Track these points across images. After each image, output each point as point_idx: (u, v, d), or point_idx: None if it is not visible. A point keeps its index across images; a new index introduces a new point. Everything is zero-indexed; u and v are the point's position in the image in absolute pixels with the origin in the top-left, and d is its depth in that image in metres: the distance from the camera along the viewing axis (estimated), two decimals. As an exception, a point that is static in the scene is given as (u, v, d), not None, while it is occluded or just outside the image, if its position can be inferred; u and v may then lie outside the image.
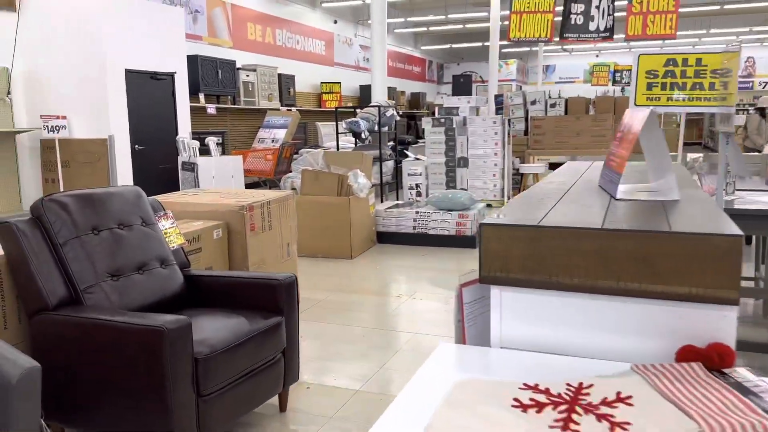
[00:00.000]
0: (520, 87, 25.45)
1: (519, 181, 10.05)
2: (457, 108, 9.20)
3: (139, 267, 2.46)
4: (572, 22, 6.58)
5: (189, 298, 2.65)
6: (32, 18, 6.86)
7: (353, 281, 4.85)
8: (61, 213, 2.29)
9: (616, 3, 6.32)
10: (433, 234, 6.08)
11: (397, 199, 7.71)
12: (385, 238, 6.23)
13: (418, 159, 7.22)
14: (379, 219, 6.24)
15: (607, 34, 6.45)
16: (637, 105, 3.48)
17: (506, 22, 19.24)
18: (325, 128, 13.74)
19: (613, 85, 20.33)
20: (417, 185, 7.14)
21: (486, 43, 23.77)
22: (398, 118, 7.50)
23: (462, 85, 23.86)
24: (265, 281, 2.54)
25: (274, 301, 2.53)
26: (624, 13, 6.28)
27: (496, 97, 10.95)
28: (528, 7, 6.62)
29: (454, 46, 24.09)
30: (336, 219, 5.59)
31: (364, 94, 16.28)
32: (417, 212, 6.13)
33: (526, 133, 11.02)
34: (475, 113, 9.12)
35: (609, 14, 6.40)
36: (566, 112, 11.38)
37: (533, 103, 11.26)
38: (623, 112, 11.09)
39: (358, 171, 5.72)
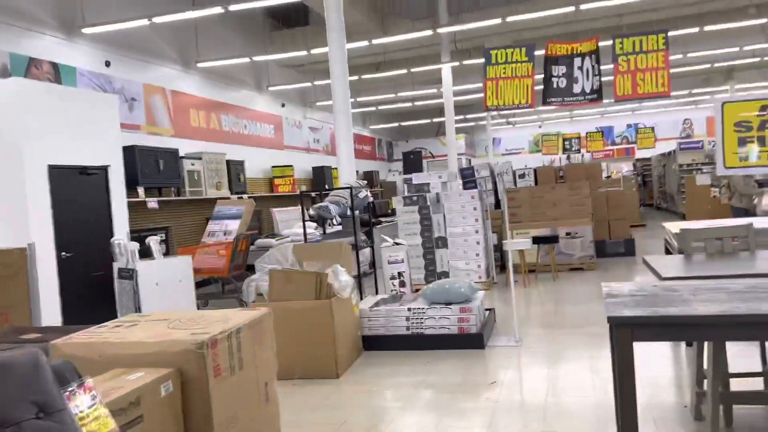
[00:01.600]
0: (469, 160, 25.48)
1: (499, 258, 9.26)
2: (428, 184, 8.47)
3: (27, 506, 1.36)
4: (554, 85, 6.05)
5: None
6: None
7: (351, 416, 3.74)
8: None
9: (601, 65, 5.87)
10: (430, 334, 5.07)
11: (377, 293, 6.71)
12: (373, 343, 5.17)
13: (398, 243, 6.31)
14: (364, 320, 5.20)
15: (595, 96, 5.95)
16: (727, 167, 2.67)
17: (459, 97, 19.30)
18: (281, 214, 12.76)
19: (563, 153, 20.53)
20: (400, 274, 6.19)
21: (435, 120, 23.87)
22: (371, 199, 6.66)
23: (413, 162, 23.65)
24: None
25: None
26: (611, 77, 5.85)
27: (462, 170, 10.36)
28: (504, 73, 6.07)
29: (403, 123, 24.11)
30: (316, 328, 4.52)
31: (317, 176, 15.55)
32: (409, 309, 5.14)
33: (497, 206, 10.39)
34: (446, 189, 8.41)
35: (595, 74, 5.91)
36: (536, 183, 10.89)
37: (500, 175, 10.74)
38: (595, 178, 10.72)
39: (338, 266, 4.73)
